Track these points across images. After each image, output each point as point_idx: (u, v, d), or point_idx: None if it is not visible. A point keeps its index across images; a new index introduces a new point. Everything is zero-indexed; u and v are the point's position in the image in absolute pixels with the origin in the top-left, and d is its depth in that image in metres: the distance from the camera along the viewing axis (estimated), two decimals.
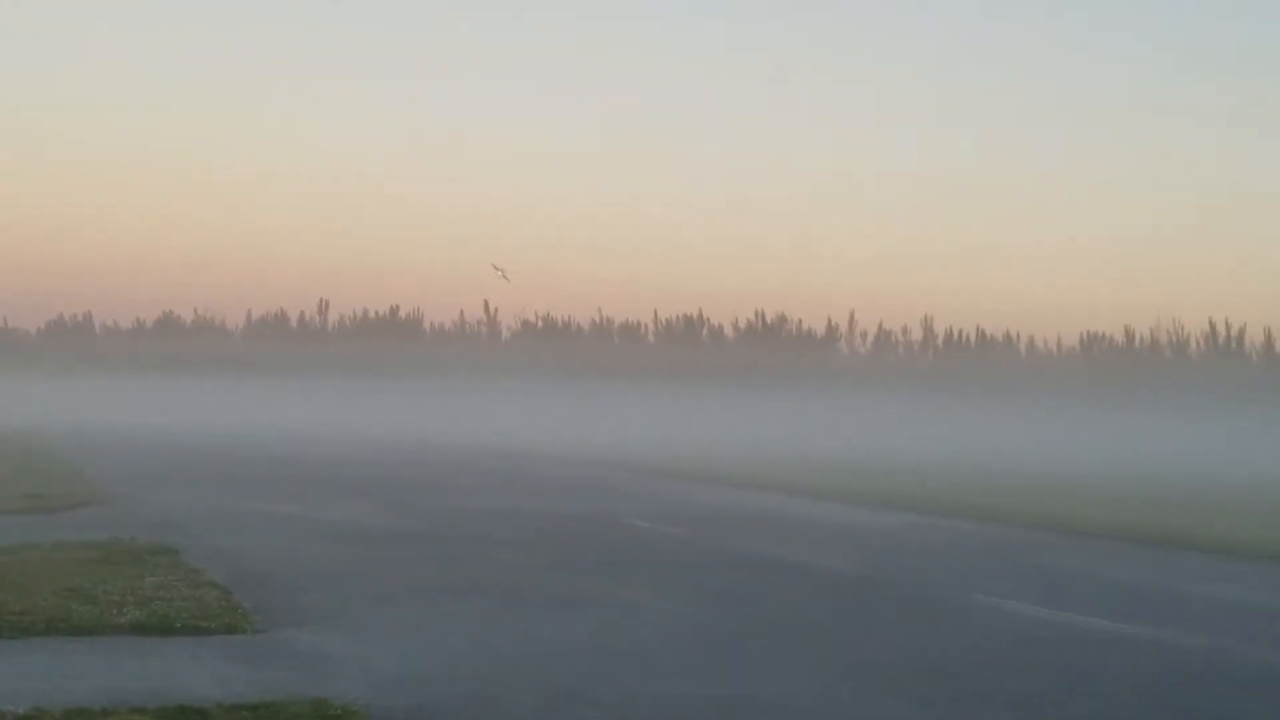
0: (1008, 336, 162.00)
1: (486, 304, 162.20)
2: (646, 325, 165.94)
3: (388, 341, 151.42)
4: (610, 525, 27.75)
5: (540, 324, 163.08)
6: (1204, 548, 25.97)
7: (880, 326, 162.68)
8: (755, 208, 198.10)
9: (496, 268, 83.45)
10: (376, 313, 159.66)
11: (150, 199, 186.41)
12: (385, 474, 43.74)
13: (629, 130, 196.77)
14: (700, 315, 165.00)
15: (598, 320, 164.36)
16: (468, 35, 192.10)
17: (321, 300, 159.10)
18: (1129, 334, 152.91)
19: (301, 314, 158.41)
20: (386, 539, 23.84)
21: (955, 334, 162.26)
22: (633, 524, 28.01)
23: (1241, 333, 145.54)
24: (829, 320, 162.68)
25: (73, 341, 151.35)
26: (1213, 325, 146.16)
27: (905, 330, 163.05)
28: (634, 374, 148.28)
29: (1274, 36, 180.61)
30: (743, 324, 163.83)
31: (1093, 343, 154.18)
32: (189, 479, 38.43)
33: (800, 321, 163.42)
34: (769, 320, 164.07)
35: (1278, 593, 20.37)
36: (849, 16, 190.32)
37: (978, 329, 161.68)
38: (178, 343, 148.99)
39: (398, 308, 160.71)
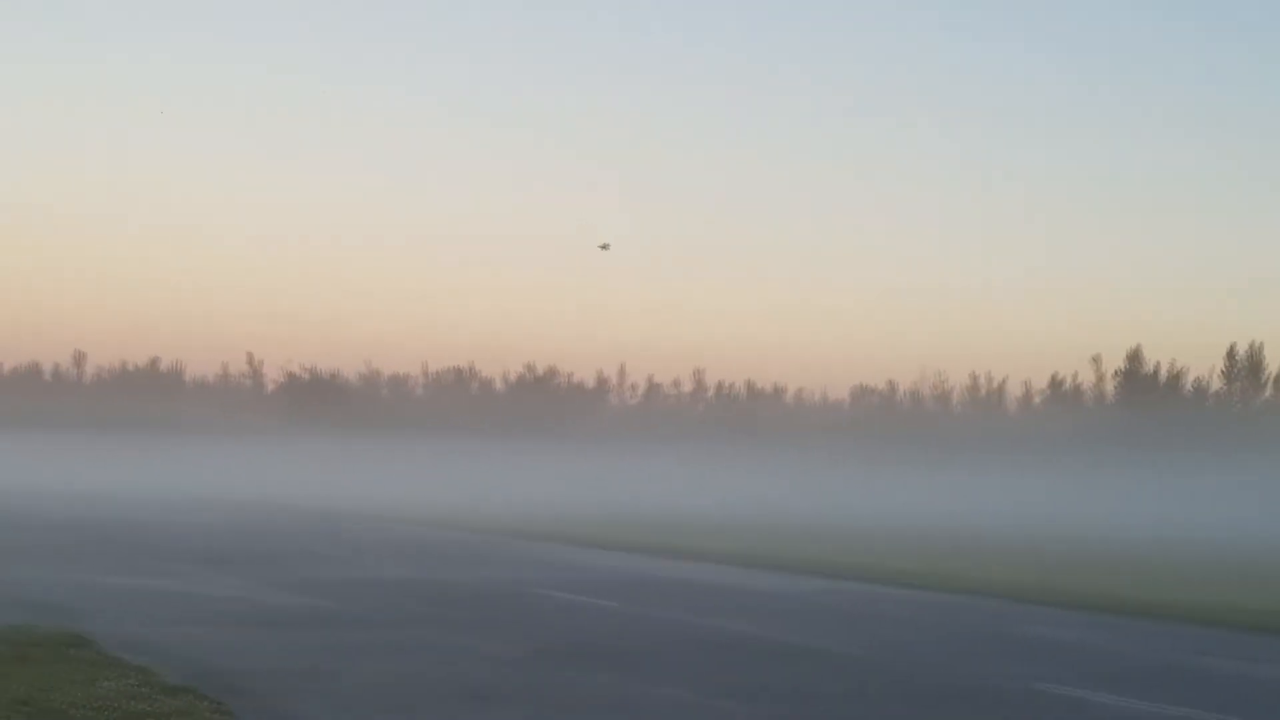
0: (776, 389, 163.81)
1: (250, 356, 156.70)
2: (415, 378, 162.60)
3: (147, 395, 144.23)
4: (534, 598, 25.31)
5: (306, 376, 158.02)
6: (1150, 613, 25.04)
7: (650, 379, 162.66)
8: (524, 261, 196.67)
9: (603, 246, 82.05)
10: (135, 365, 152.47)
11: None
12: (224, 542, 40.13)
13: (397, 181, 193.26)
14: (470, 368, 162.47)
15: (365, 373, 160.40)
16: (225, 81, 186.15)
17: (77, 352, 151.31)
18: (893, 387, 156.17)
19: (55, 366, 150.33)
20: (312, 623, 20.92)
21: (725, 386, 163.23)
22: (556, 596, 25.66)
23: (1002, 386, 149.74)
24: (599, 372, 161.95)
25: None
26: (974, 378, 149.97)
27: (676, 383, 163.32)
28: (403, 427, 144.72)
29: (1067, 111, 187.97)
30: (513, 377, 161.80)
31: (861, 395, 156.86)
32: (20, 548, 34.39)
33: (571, 374, 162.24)
34: (539, 373, 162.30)
35: None
36: (599, 64, 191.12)
37: (747, 382, 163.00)
38: None
39: (158, 360, 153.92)
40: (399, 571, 30.89)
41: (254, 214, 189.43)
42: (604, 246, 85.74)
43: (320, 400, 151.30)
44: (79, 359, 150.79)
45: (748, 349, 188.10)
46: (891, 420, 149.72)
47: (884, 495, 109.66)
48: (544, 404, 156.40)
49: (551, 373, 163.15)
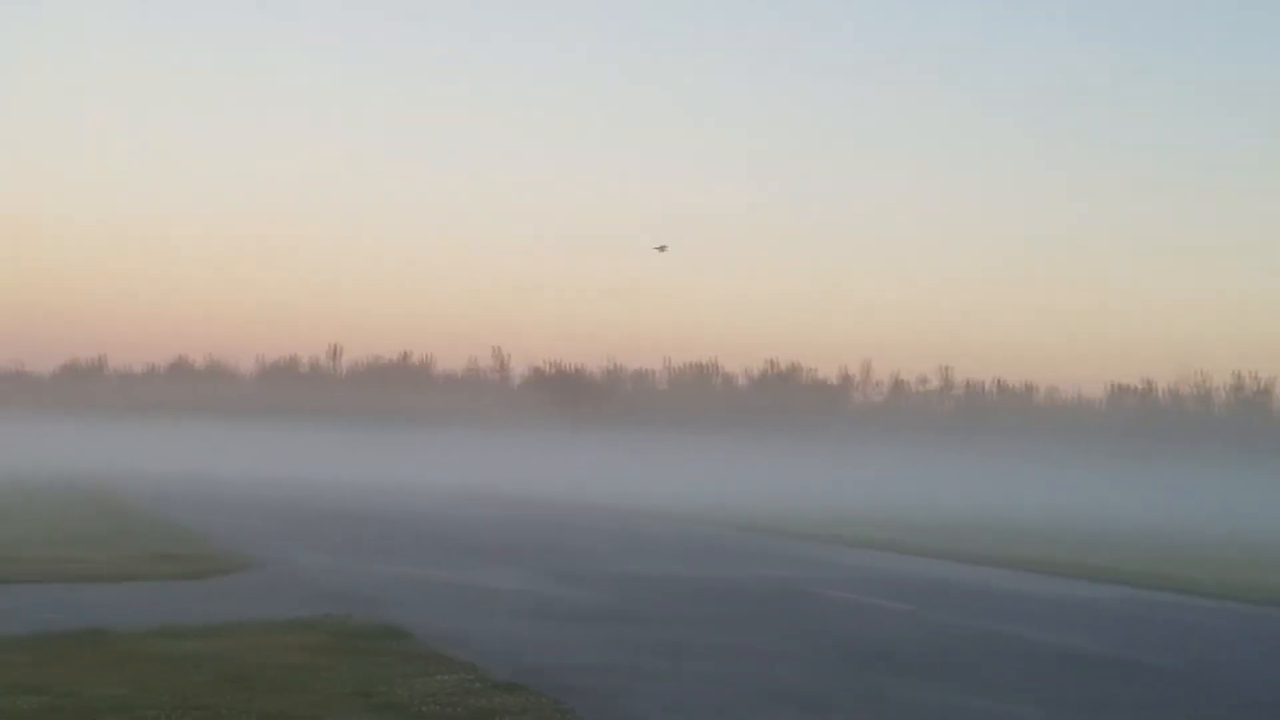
0: (1027, 387, 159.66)
1: (498, 350, 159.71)
2: (658, 373, 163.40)
3: (398, 388, 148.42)
4: (817, 598, 24.83)
5: (552, 371, 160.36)
6: None
7: (896, 376, 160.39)
8: (770, 256, 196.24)
9: (659, 248, 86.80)
10: (387, 359, 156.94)
11: (163, 246, 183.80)
12: (491, 534, 40.79)
13: (634, 179, 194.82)
14: (713, 363, 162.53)
15: (609, 368, 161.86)
16: (445, 72, 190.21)
17: (333, 346, 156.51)
18: (1151, 385, 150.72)
19: (313, 359, 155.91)
20: (606, 619, 20.81)
21: (974, 384, 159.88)
22: (838, 596, 25.16)
23: (1269, 384, 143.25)
24: (843, 369, 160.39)
25: (85, 385, 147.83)
26: (1240, 377, 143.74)
27: (922, 380, 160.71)
28: (646, 422, 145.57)
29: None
30: (755, 372, 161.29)
31: (1121, 395, 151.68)
32: (306, 536, 35.68)
33: (814, 370, 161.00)
34: (782, 369, 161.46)
35: None
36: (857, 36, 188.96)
37: (996, 379, 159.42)
38: (190, 387, 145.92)
39: (409, 354, 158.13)
40: (669, 567, 30.70)
41: (502, 214, 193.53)
42: (660, 249, 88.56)
43: (565, 395, 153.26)
44: (335, 352, 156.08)
45: (997, 346, 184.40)
46: (1150, 420, 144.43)
47: (1146, 498, 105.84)
48: (787, 400, 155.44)
49: (794, 369, 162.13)
